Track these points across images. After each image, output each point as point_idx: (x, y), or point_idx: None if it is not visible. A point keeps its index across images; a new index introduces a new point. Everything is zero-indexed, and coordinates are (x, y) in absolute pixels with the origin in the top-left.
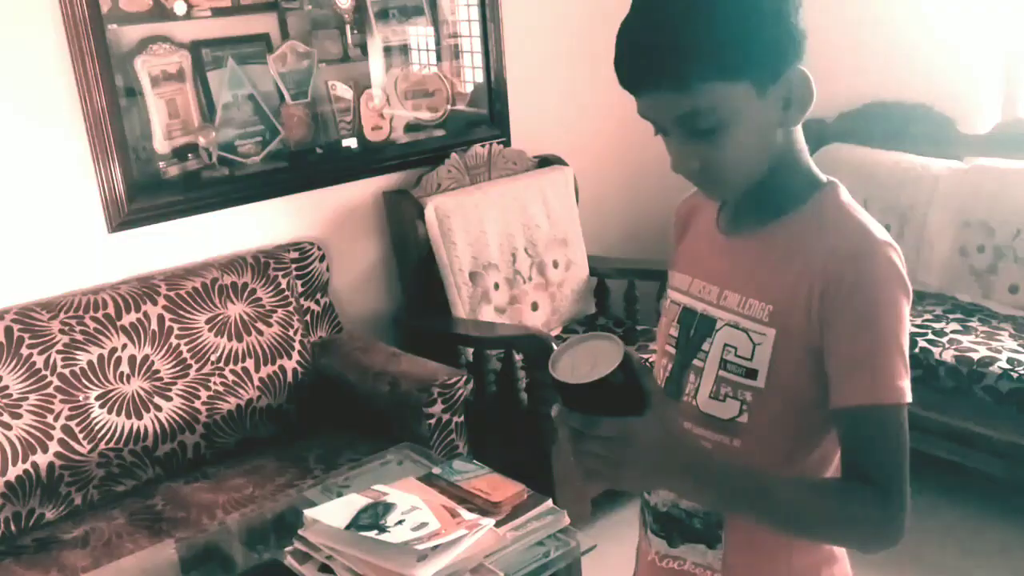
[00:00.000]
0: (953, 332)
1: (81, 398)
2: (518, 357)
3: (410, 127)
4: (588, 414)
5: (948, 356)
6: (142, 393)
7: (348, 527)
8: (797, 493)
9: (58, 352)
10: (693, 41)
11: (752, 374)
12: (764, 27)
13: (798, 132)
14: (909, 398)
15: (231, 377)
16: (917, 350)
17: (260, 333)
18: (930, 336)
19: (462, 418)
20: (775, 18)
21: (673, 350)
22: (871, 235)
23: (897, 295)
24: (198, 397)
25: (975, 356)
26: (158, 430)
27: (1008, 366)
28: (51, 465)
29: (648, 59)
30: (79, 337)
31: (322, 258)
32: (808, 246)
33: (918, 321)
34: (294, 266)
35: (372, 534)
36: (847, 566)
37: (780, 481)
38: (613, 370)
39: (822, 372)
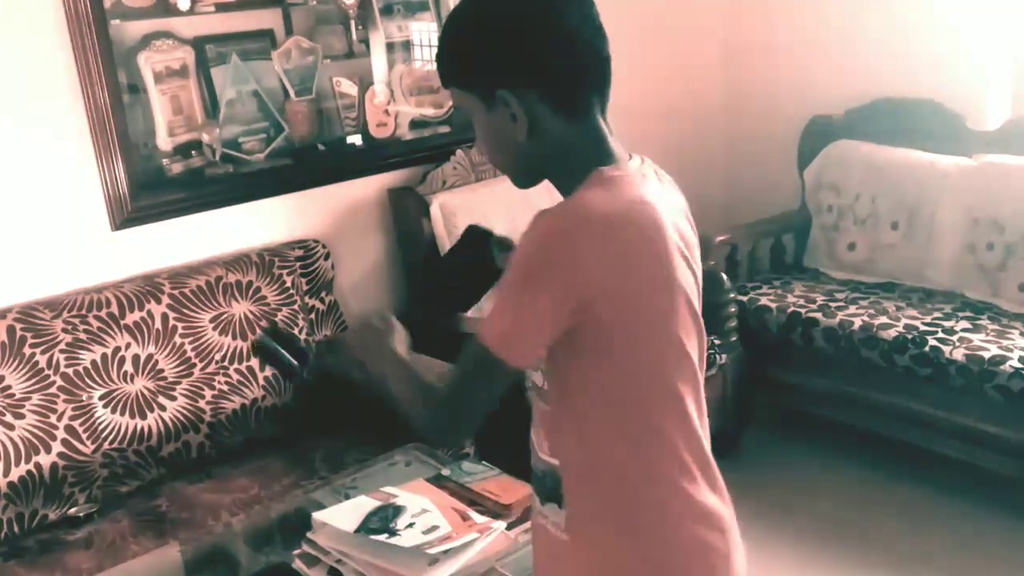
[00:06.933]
0: (963, 331)
1: (84, 398)
2: None
3: (415, 123)
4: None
5: (958, 355)
6: (146, 392)
7: (358, 530)
8: (398, 376)
9: (61, 351)
10: (441, 57)
11: None
12: (480, 55)
13: (568, 131)
14: (487, 343)
15: (236, 376)
16: (927, 348)
17: None
18: (940, 334)
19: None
20: (492, 48)
21: None
22: (552, 209)
23: (527, 253)
24: (202, 396)
25: (986, 355)
26: (162, 430)
27: (1020, 365)
28: (54, 465)
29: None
30: (82, 336)
31: (327, 256)
32: None
33: (927, 319)
34: (299, 264)
35: (382, 538)
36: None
37: (401, 369)
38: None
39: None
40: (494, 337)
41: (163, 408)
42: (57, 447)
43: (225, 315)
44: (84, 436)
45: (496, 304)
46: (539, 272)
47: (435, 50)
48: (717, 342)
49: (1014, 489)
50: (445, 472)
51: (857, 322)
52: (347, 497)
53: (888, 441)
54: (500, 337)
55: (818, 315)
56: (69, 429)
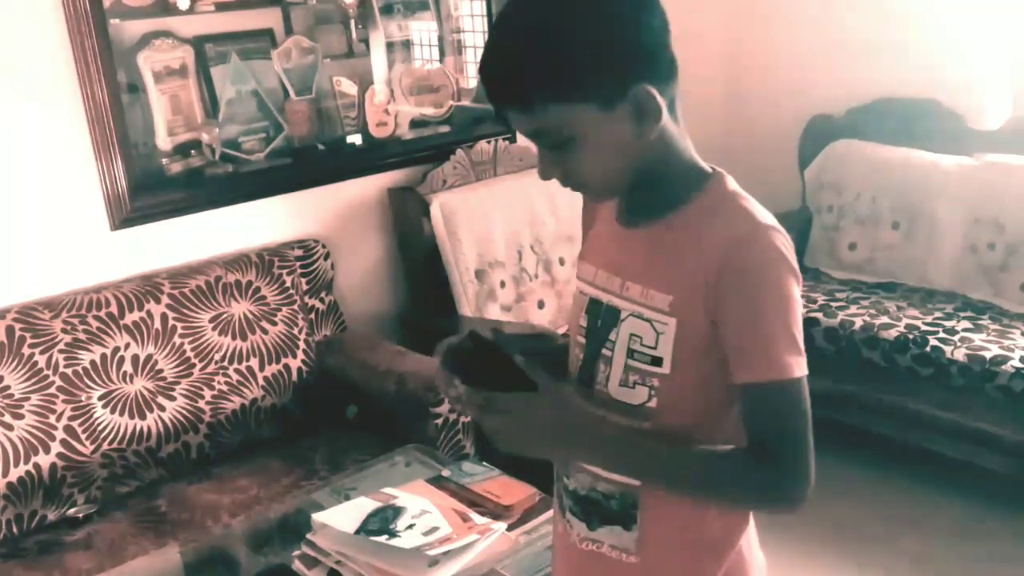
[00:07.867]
0: (964, 331)
1: (84, 398)
2: None
3: (415, 123)
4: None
5: (960, 355)
6: (145, 393)
7: (358, 532)
8: (688, 460)
9: (60, 352)
10: (532, 70)
11: (657, 361)
12: (601, 54)
13: (674, 129)
14: (799, 373)
15: (235, 376)
16: (928, 348)
17: (264, 332)
18: (941, 334)
19: (469, 418)
20: (613, 43)
21: (584, 340)
22: (756, 220)
23: (781, 276)
24: (202, 397)
25: (987, 355)
26: (162, 430)
27: (1021, 365)
28: (53, 466)
29: (497, 85)
30: (81, 336)
31: (327, 256)
32: (700, 236)
33: (928, 319)
34: (298, 264)
35: (382, 539)
36: (753, 529)
37: (673, 448)
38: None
39: (723, 353)
40: (788, 366)
41: (162, 408)
42: (56, 447)
43: (225, 315)
44: (83, 436)
45: (769, 335)
46: (792, 285)
47: (491, 68)
48: None
49: (1014, 489)
50: (445, 473)
51: (858, 322)
52: (347, 498)
53: (888, 441)
54: (790, 362)
55: (819, 315)
56: (68, 429)
